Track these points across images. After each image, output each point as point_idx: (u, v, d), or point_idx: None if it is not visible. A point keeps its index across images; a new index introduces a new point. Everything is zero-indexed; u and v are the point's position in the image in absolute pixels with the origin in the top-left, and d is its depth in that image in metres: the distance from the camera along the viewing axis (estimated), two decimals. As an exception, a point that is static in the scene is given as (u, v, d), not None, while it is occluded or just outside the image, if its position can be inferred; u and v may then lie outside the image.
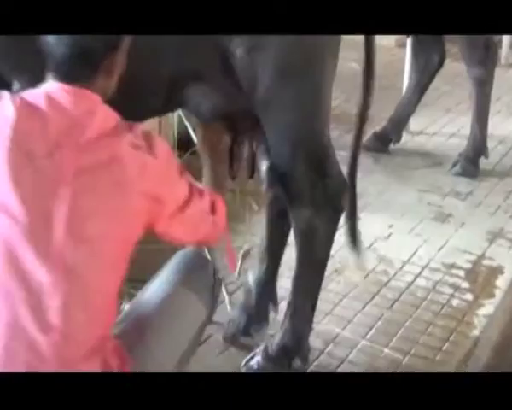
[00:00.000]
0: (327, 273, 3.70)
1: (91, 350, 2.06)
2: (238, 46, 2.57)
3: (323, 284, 3.59)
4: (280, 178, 2.82)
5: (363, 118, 3.05)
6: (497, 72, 7.09)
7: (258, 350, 3.09)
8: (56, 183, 2.01)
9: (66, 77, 2.07)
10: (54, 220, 2.00)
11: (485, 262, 4.01)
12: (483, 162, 5.02)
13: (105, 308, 2.12)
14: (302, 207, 2.82)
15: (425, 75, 5.04)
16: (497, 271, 3.93)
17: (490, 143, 5.35)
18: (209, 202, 2.36)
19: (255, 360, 3.06)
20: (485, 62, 4.77)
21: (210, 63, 2.62)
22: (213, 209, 2.37)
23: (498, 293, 3.76)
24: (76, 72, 2.07)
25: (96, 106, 2.09)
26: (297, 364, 3.03)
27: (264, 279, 3.24)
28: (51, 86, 2.09)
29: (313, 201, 2.81)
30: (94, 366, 2.07)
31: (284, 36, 2.52)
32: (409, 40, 5.29)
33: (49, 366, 2.01)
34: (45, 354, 2.01)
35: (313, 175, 2.79)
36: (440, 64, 5.01)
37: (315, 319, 3.29)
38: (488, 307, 3.63)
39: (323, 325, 3.41)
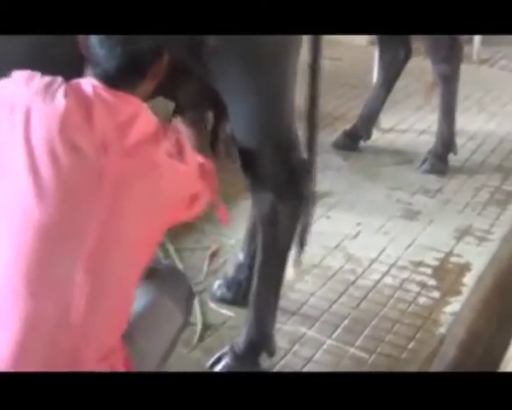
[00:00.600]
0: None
1: (105, 353, 2.10)
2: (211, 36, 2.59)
3: (290, 283, 3.64)
4: (245, 163, 2.87)
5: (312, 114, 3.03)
6: (468, 68, 7.18)
7: (224, 351, 3.09)
8: (98, 184, 2.04)
9: (113, 84, 2.12)
10: (89, 221, 2.04)
11: (453, 260, 4.03)
12: (452, 159, 5.04)
13: (123, 313, 2.17)
14: (265, 192, 2.87)
15: (391, 71, 5.05)
16: (464, 268, 3.95)
17: (460, 140, 5.38)
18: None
19: (224, 362, 3.06)
20: (451, 59, 4.79)
21: (184, 48, 2.63)
22: (204, 174, 2.42)
23: (465, 290, 3.76)
24: (123, 80, 2.13)
25: (139, 110, 2.13)
26: (264, 360, 3.05)
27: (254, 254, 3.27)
28: (96, 82, 2.12)
29: (276, 186, 2.86)
30: (104, 369, 2.09)
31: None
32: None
33: (64, 364, 2.03)
34: (63, 352, 2.03)
35: (278, 162, 2.84)
36: (406, 60, 5.03)
37: (281, 319, 3.32)
38: (455, 305, 3.64)
39: (289, 324, 3.41)
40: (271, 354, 3.07)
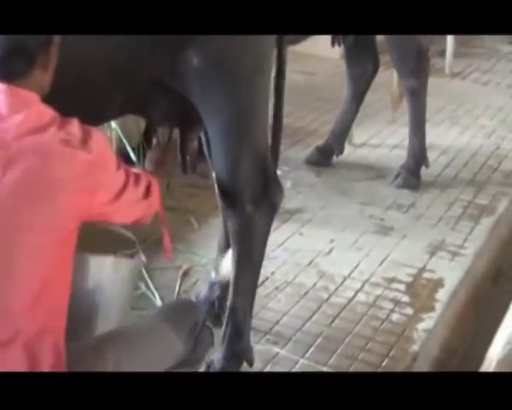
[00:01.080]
0: (267, 291, 3.74)
1: (10, 338, 2.13)
2: (195, 54, 2.76)
3: (263, 302, 3.62)
4: (222, 176, 2.98)
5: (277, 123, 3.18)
6: (441, 81, 7.23)
7: (203, 370, 3.05)
8: None
9: (4, 74, 2.17)
10: None
11: (426, 275, 4.01)
12: (425, 174, 5.04)
13: (31, 301, 2.16)
14: (243, 204, 2.98)
15: (361, 85, 5.04)
16: (437, 284, 3.93)
17: (432, 154, 5.39)
18: (145, 186, 2.49)
19: None
20: (418, 73, 4.76)
21: (167, 69, 2.79)
22: (148, 191, 2.50)
23: (438, 306, 3.75)
24: (13, 68, 2.18)
25: (30, 104, 2.19)
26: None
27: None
28: None
29: (253, 198, 2.98)
30: (13, 355, 2.13)
31: (236, 47, 2.79)
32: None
33: None
34: None
35: (254, 174, 2.97)
36: (375, 72, 5.02)
37: (254, 339, 3.29)
38: (428, 322, 3.62)
39: (262, 344, 3.38)
40: (251, 363, 3.13)
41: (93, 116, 2.52)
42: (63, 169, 2.17)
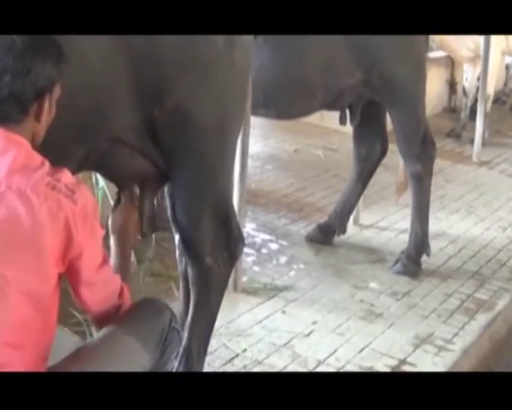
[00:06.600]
0: (233, 369, 3.62)
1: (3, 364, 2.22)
2: (159, 109, 2.77)
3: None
4: (184, 230, 3.04)
5: None
6: (467, 169, 7.10)
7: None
8: None
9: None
10: None
11: (405, 368, 3.83)
12: (428, 262, 4.89)
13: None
14: (204, 255, 3.06)
15: (367, 165, 4.92)
16: (415, 378, 3.76)
17: (441, 242, 5.25)
18: (120, 285, 2.52)
19: None
20: (422, 158, 4.63)
21: (131, 127, 2.79)
22: (121, 294, 2.53)
23: (411, 402, 3.58)
24: (7, 113, 2.27)
25: (20, 146, 2.26)
26: None
27: None
28: None
29: (214, 251, 3.07)
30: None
31: (200, 100, 2.83)
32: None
33: None
34: None
35: (216, 228, 3.05)
36: (383, 154, 4.90)
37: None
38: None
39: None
40: None
41: None
42: (47, 211, 2.22)
